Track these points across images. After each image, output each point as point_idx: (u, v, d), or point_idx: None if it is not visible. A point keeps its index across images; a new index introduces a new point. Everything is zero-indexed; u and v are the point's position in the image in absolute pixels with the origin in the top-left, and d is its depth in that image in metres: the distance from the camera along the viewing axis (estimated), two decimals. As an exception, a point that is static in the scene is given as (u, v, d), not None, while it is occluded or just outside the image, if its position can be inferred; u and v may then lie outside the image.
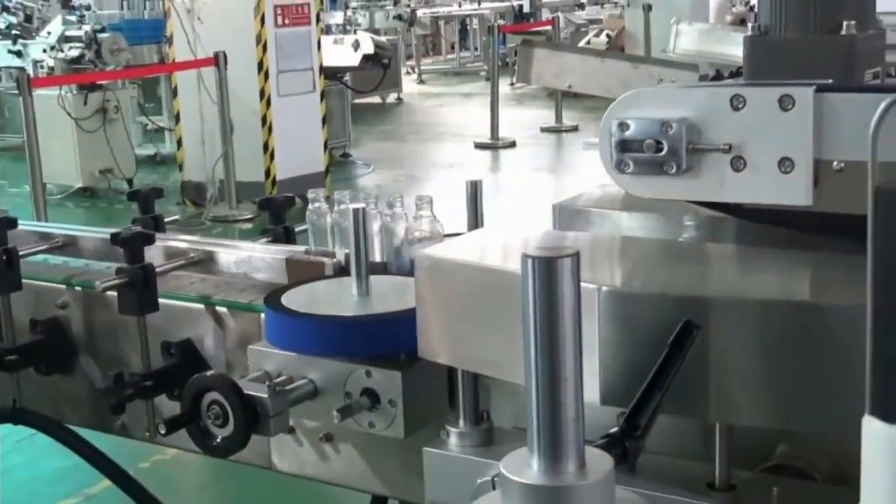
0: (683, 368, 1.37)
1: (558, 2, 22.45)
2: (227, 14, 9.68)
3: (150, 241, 2.20)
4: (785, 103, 1.68)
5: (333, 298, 1.98)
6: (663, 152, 1.76)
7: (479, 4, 20.56)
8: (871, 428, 0.95)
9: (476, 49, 20.74)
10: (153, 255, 2.32)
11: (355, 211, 1.92)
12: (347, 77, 12.31)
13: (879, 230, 1.13)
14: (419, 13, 18.84)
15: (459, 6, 20.48)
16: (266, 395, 1.83)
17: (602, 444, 1.09)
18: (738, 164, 1.73)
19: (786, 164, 1.70)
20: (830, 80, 1.75)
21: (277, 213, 2.46)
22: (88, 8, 13.04)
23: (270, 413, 1.83)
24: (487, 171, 11.75)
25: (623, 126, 1.79)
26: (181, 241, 2.43)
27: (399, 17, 16.74)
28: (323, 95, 10.57)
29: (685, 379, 1.39)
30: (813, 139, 1.66)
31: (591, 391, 1.45)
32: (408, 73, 18.54)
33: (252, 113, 9.80)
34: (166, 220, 2.62)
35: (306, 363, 1.92)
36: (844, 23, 2.15)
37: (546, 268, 0.90)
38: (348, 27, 13.77)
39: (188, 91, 9.98)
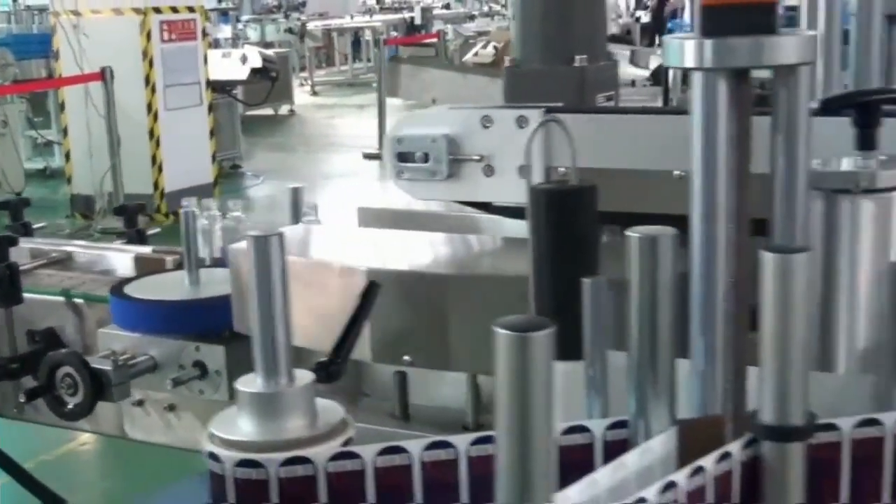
0: (435, 331, 1.81)
1: (450, 14, 22.92)
2: (113, 30, 9.92)
3: (14, 243, 2.55)
4: (521, 122, 2.11)
5: (169, 287, 2.36)
6: (430, 162, 2.18)
7: (371, 17, 20.94)
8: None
9: (369, 61, 21.10)
10: (19, 255, 2.67)
11: (185, 214, 2.31)
12: (237, 90, 12.60)
13: (533, 218, 1.56)
14: (311, 25, 19.14)
15: (352, 18, 20.83)
16: (110, 368, 2.21)
17: (313, 368, 1.51)
18: (488, 171, 2.16)
19: (524, 171, 2.13)
20: (561, 104, 2.20)
21: (130, 218, 2.83)
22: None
23: (113, 382, 2.20)
24: (375, 179, 12.14)
25: (400, 141, 2.21)
26: (44, 244, 2.79)
27: (290, 31, 17.05)
28: (211, 108, 10.85)
29: (434, 339, 1.84)
30: (543, 150, 2.09)
31: (365, 351, 1.90)
32: (301, 84, 18.84)
33: (139, 126, 10.05)
34: (63, 231, 2.96)
35: (147, 342, 2.29)
36: (577, 57, 2.62)
37: (260, 245, 1.30)
38: (237, 41, 14.05)
39: (76, 105, 10.18)
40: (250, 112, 14.59)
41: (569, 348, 1.42)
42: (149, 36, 9.98)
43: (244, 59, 11.93)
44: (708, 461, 1.24)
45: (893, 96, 1.50)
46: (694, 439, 1.31)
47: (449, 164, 2.14)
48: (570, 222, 1.55)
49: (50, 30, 11.30)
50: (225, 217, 2.59)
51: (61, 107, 10.51)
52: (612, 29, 9.18)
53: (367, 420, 1.97)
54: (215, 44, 13.69)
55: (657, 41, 12.43)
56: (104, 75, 9.69)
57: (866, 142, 1.46)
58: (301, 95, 18.21)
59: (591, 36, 2.94)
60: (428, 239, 2.14)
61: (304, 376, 1.32)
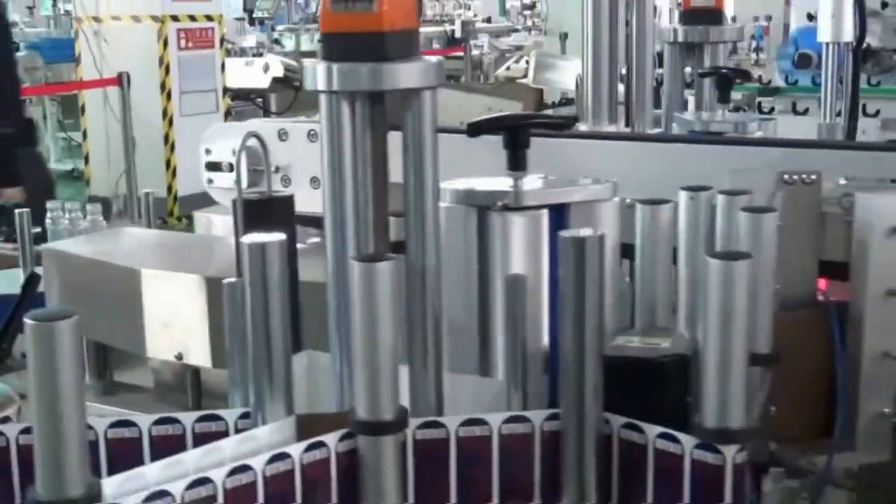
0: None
1: (492, 27, 22.99)
2: (132, 36, 10.16)
3: None
4: (311, 136, 2.24)
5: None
6: (235, 172, 2.31)
7: (412, 29, 21.04)
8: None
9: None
10: None
11: (18, 214, 2.46)
12: (269, 98, 12.78)
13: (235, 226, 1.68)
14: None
15: (392, 30, 20.94)
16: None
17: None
18: (285, 181, 2.29)
19: (315, 182, 2.26)
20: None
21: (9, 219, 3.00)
22: (15, 25, 13.47)
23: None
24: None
25: (209, 151, 2.34)
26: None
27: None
28: (229, 115, 11.06)
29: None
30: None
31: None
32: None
33: (155, 131, 10.27)
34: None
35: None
36: None
37: None
38: (261, 50, 14.24)
39: (95, 109, 10.45)
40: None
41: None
42: (166, 43, 10.20)
43: (266, 68, 12.11)
44: (296, 450, 1.36)
45: (540, 121, 1.60)
46: (314, 433, 1.42)
47: (250, 175, 2.27)
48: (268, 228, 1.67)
49: (81, 35, 11.59)
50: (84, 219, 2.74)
51: (81, 110, 10.78)
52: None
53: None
54: (241, 52, 13.89)
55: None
56: (121, 81, 9.95)
57: (516, 163, 1.56)
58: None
59: None
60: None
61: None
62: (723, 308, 1.33)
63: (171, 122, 10.42)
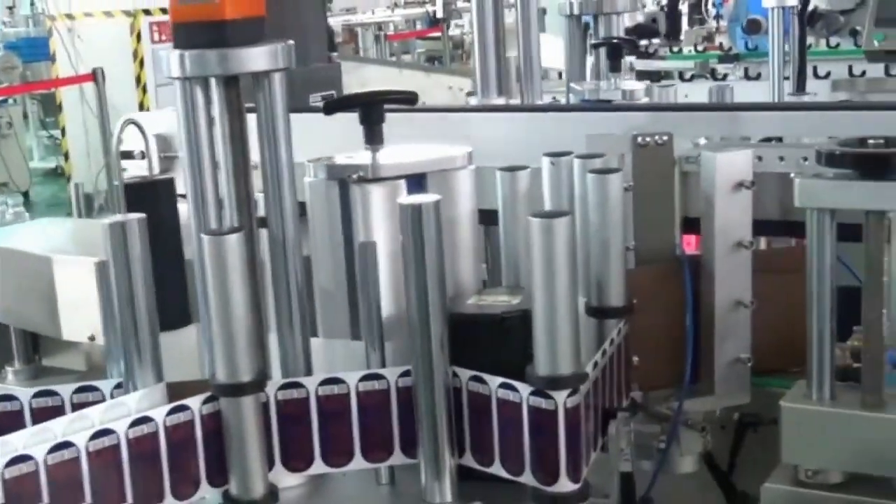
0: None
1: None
2: (106, 32, 10.25)
3: None
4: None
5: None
6: (146, 159, 2.41)
7: (393, 11, 21.05)
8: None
9: (392, 56, 21.22)
10: None
11: (-58, 206, 2.56)
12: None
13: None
14: (332, 21, 19.32)
15: (373, 13, 20.97)
16: None
17: None
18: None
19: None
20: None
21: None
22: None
23: None
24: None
25: (122, 140, 2.43)
26: None
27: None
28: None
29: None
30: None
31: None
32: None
33: (132, 125, 10.36)
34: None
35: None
36: None
37: None
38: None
39: (72, 106, 10.53)
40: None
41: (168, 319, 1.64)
42: (139, 37, 10.28)
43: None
44: (159, 413, 1.46)
45: (393, 97, 1.69)
46: (183, 399, 1.52)
47: (162, 161, 2.37)
48: (151, 209, 1.76)
49: (57, 33, 11.65)
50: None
51: (59, 107, 10.86)
52: (638, 18, 9.26)
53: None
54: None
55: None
56: (95, 76, 10.02)
57: (372, 137, 1.66)
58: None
59: (304, 41, 3.21)
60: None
61: None
62: (545, 264, 1.42)
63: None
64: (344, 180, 1.66)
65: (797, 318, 1.60)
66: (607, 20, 3.01)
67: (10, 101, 11.45)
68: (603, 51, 2.81)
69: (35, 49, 12.57)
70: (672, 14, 8.43)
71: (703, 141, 1.94)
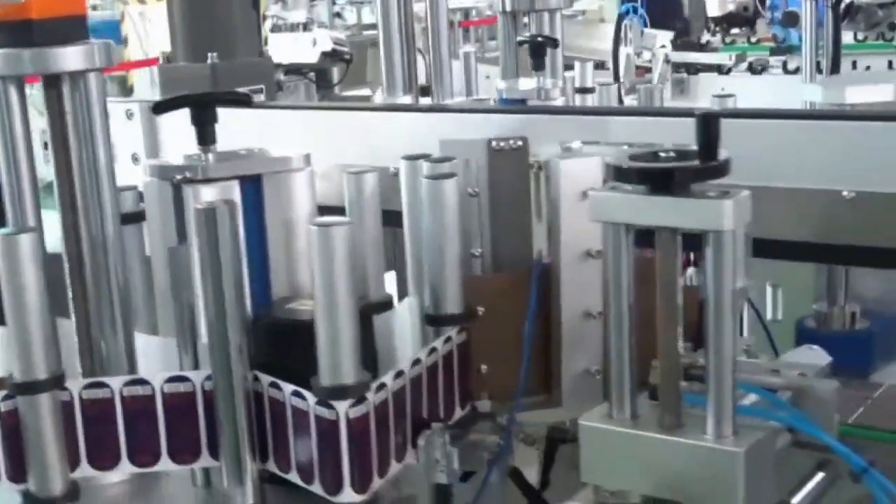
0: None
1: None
2: (174, 16, 10.43)
3: None
4: (129, 114, 2.36)
5: None
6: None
7: (480, -4, 20.98)
8: None
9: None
10: None
11: None
12: (333, 73, 12.93)
13: None
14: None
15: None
16: None
17: None
18: (135, 160, 2.42)
19: (135, 159, 2.38)
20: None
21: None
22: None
23: None
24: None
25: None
26: None
27: (388, 12, 17.20)
28: (280, 89, 11.25)
29: None
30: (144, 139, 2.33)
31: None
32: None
33: (200, 107, 10.54)
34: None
35: None
36: (209, 54, 2.88)
37: None
38: (309, 25, 14.38)
39: (143, 89, 10.72)
40: (347, 93, 14.88)
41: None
42: (207, 21, 10.44)
43: (314, 42, 12.25)
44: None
45: (224, 98, 1.68)
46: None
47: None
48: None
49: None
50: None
51: (130, 90, 11.09)
52: (729, 7, 9.14)
53: None
54: (292, 27, 14.06)
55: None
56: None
57: (204, 137, 1.65)
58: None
59: (231, 36, 3.22)
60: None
61: None
62: (325, 272, 1.40)
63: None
64: (181, 181, 1.66)
65: (650, 331, 1.55)
66: (538, 17, 2.94)
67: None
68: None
69: (108, 32, 12.84)
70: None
71: (576, 145, 1.88)
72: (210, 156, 1.68)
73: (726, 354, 1.39)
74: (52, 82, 1.58)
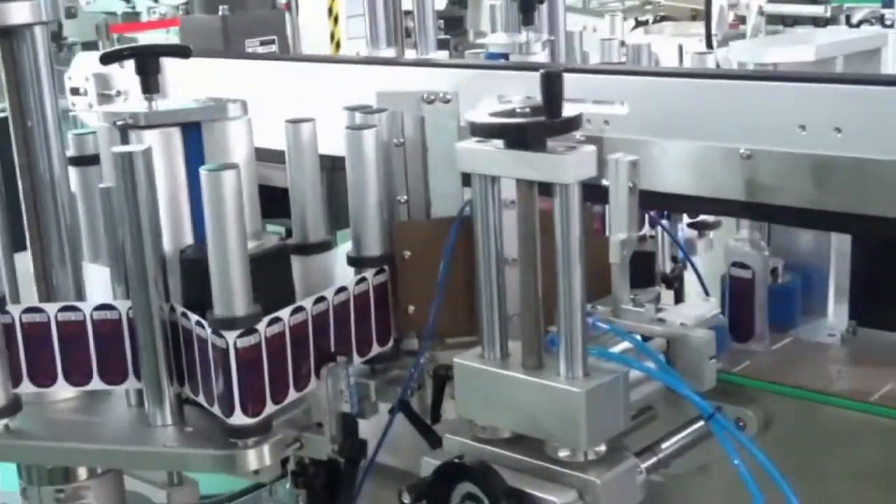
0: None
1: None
2: (300, -37, 10.61)
3: None
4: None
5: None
6: (87, 95, 2.62)
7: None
8: None
9: None
10: None
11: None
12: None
13: None
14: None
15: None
16: None
17: None
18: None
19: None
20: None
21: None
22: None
23: None
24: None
25: (70, 78, 2.65)
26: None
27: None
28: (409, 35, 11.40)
29: None
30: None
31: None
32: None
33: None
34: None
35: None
36: (220, 7, 3.00)
37: None
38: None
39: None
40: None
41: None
42: (331, -31, 10.59)
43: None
44: None
45: (164, 50, 1.82)
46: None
47: (100, 98, 2.59)
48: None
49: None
50: None
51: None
52: None
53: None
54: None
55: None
56: (289, 6, 10.44)
57: (148, 86, 1.79)
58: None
59: None
60: None
61: None
62: (215, 214, 1.54)
63: (338, 46, 10.85)
64: (124, 126, 1.80)
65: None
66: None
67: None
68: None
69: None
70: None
71: (516, 100, 1.95)
72: (154, 104, 1.81)
73: (576, 300, 1.46)
74: (5, 35, 1.73)
